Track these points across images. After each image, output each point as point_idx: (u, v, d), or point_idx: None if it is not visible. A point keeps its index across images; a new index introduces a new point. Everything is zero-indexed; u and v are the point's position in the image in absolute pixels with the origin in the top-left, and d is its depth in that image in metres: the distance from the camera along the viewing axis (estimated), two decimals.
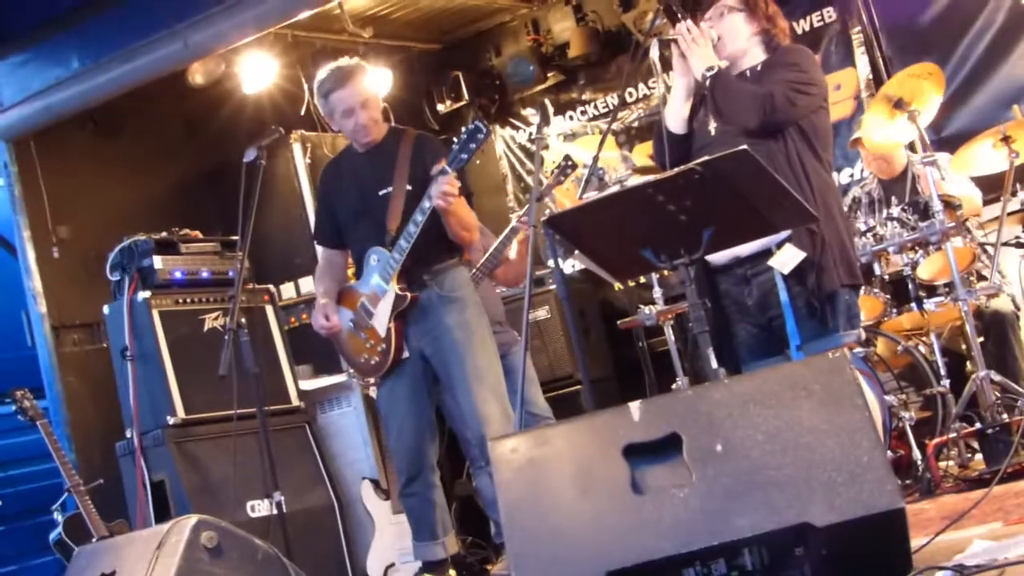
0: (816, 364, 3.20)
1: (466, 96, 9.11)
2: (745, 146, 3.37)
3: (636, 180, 5.19)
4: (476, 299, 5.42)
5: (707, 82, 4.23)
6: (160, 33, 6.95)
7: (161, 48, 6.97)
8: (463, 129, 5.00)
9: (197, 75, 7.74)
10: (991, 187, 6.34)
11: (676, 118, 4.43)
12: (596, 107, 8.95)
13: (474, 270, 6.12)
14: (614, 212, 3.81)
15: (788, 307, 4.38)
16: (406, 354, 5.31)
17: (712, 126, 4.35)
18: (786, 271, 4.26)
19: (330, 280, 5.58)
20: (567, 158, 6.36)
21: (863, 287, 5.56)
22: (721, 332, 4.47)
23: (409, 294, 5.26)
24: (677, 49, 4.28)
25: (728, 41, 4.42)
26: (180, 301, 6.48)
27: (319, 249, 5.85)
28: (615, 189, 6.18)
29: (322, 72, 5.41)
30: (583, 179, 5.51)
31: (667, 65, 4.46)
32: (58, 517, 6.36)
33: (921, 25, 7.83)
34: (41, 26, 7.64)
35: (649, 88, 8.54)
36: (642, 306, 6.97)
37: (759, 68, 4.41)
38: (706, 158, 3.46)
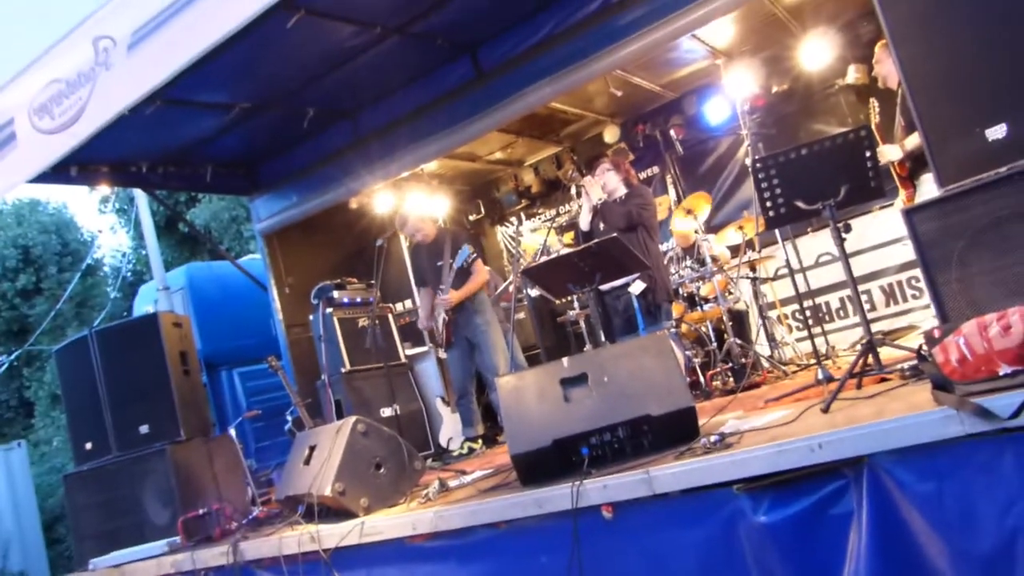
0: (652, 338, 4.22)
1: (483, 211, 11.94)
2: (615, 235, 4.72)
3: (565, 251, 6.19)
4: (491, 308, 7.48)
5: (599, 205, 5.82)
6: (336, 185, 8.87)
7: (333, 191, 8.95)
8: (460, 250, 6.87)
9: (354, 202, 9.89)
10: (734, 250, 8.20)
11: (584, 223, 6.17)
12: (546, 215, 11.44)
13: (490, 296, 7.86)
14: (556, 267, 5.18)
15: (638, 311, 6.06)
16: (454, 339, 7.36)
17: (602, 226, 5.96)
18: (636, 293, 5.92)
19: (425, 301, 7.46)
20: (516, 254, 7.75)
21: (674, 300, 6.92)
22: (606, 322, 6.10)
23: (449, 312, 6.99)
24: (583, 189, 6.00)
25: (607, 184, 6.21)
26: (347, 312, 8.33)
27: (416, 289, 7.86)
28: (555, 255, 6.50)
29: (400, 211, 7.30)
30: (539, 251, 7.09)
31: (579, 194, 6.19)
32: (288, 418, 8.36)
33: (699, 173, 10.27)
34: (278, 178, 9.65)
35: (571, 205, 10.97)
36: (569, 311, 8.58)
37: (623, 197, 6.05)
38: (596, 240, 4.82)
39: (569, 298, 8.48)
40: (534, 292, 9.46)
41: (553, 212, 11.42)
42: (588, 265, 5.16)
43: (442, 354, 8.02)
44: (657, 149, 10.50)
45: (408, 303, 10.79)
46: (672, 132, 10.14)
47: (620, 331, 6.58)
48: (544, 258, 6.28)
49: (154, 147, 8.39)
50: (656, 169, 10.55)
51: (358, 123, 8.74)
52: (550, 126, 10.36)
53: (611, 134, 10.63)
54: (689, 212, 8.18)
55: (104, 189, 17.43)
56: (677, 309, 7.42)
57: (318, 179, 9.23)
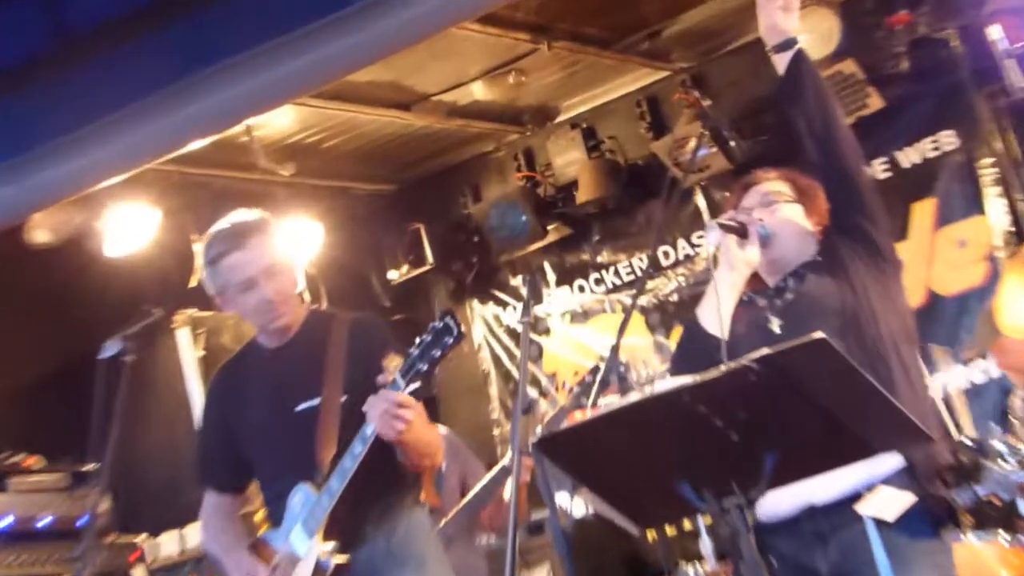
0: None
1: (430, 259, 8.38)
2: (822, 333, 3.11)
3: (672, 381, 4.53)
4: (440, 557, 4.85)
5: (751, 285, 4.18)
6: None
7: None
8: (430, 326, 4.41)
9: (39, 231, 6.99)
10: None
11: (711, 314, 4.29)
12: (617, 273, 8.21)
13: (444, 521, 5.82)
14: (636, 429, 3.48)
15: (887, 569, 4.02)
16: None
17: (776, 323, 4.16)
18: (890, 518, 3.96)
19: (226, 537, 4.91)
20: (595, 368, 5.80)
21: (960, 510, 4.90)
22: None
23: (338, 559, 4.59)
24: (725, 231, 4.09)
25: (778, 229, 4.38)
26: (7, 562, 6.16)
27: (206, 493, 5.05)
28: (641, 394, 5.24)
29: (211, 230, 4.82)
30: (596, 379, 5.45)
31: (717, 210, 4.42)
32: None
33: None
34: None
35: (693, 246, 7.83)
36: (684, 563, 6.36)
37: (817, 259, 4.38)
38: (766, 351, 3.16)
39: (687, 524, 6.89)
40: (582, 506, 7.12)
41: (640, 264, 8.44)
42: (736, 426, 3.37)
43: None
44: (939, 83, 7.17)
45: (197, 533, 6.95)
46: (995, 31, 6.86)
47: None
48: (612, 399, 5.01)
49: None
50: (951, 139, 7.26)
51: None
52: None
53: (819, 26, 7.02)
54: None
55: None
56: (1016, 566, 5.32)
57: None
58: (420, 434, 4.59)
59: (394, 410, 4.35)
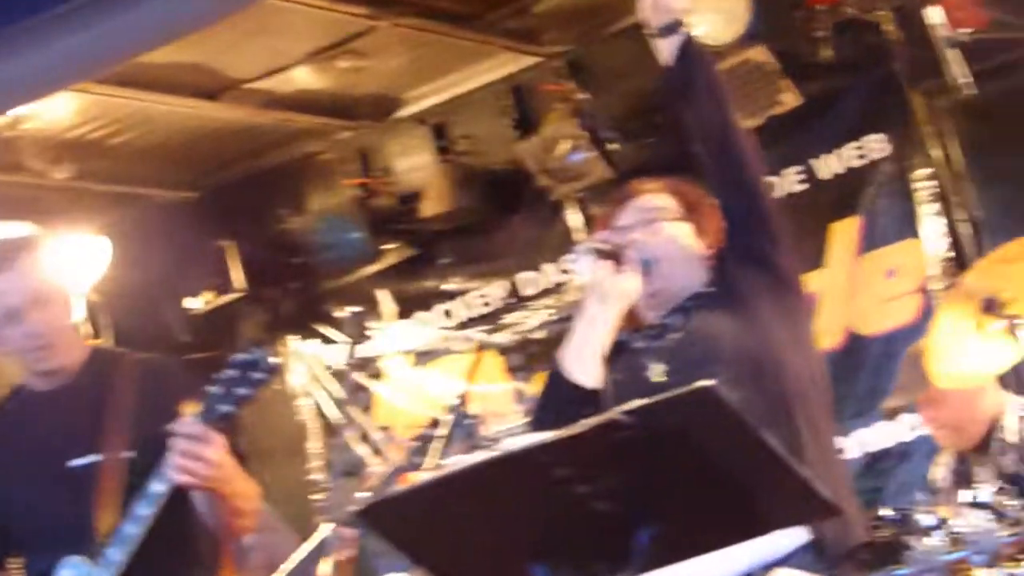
0: None
1: (240, 284, 8.10)
2: (711, 381, 3.03)
3: (530, 438, 4.23)
4: None
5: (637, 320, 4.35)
6: None
7: None
8: (235, 359, 4.32)
9: None
10: None
11: (578, 358, 4.34)
12: (470, 304, 7.93)
13: None
14: (481, 496, 3.41)
15: None
16: None
17: (657, 369, 4.20)
18: None
19: None
20: (435, 422, 5.67)
21: None
22: None
23: None
24: (588, 258, 4.18)
25: (660, 254, 4.50)
26: None
27: None
28: (489, 453, 4.91)
29: None
30: (437, 433, 5.51)
31: (596, 228, 4.59)
32: None
33: None
34: None
35: (564, 272, 7.63)
36: None
37: (708, 290, 4.56)
38: (640, 402, 3.09)
39: None
40: None
41: (500, 293, 8.11)
42: (603, 494, 3.31)
43: None
44: (868, 76, 7.00)
45: None
46: (934, 14, 6.57)
47: None
48: (459, 459, 5.07)
49: None
50: (882, 145, 6.98)
51: None
52: None
53: (722, 4, 7.11)
54: (991, 309, 5.21)
55: None
56: None
57: None
58: (235, 484, 4.42)
59: (193, 446, 4.18)
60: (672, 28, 3.91)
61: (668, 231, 4.13)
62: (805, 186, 7.02)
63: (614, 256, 3.99)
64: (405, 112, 7.76)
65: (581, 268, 4.10)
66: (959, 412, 5.59)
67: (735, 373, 3.87)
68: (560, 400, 4.14)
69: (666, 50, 3.99)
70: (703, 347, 4.11)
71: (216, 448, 4.16)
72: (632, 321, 4.13)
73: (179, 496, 4.30)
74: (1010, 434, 5.21)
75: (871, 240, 6.86)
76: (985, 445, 5.59)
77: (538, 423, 4.28)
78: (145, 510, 4.24)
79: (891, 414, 6.60)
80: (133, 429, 4.48)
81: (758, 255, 4.04)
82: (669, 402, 2.94)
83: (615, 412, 2.94)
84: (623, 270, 4.04)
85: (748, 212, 4.05)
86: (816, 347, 4.36)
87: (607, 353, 4.10)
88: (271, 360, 4.21)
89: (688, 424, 2.98)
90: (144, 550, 4.29)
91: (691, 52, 3.97)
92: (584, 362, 4.13)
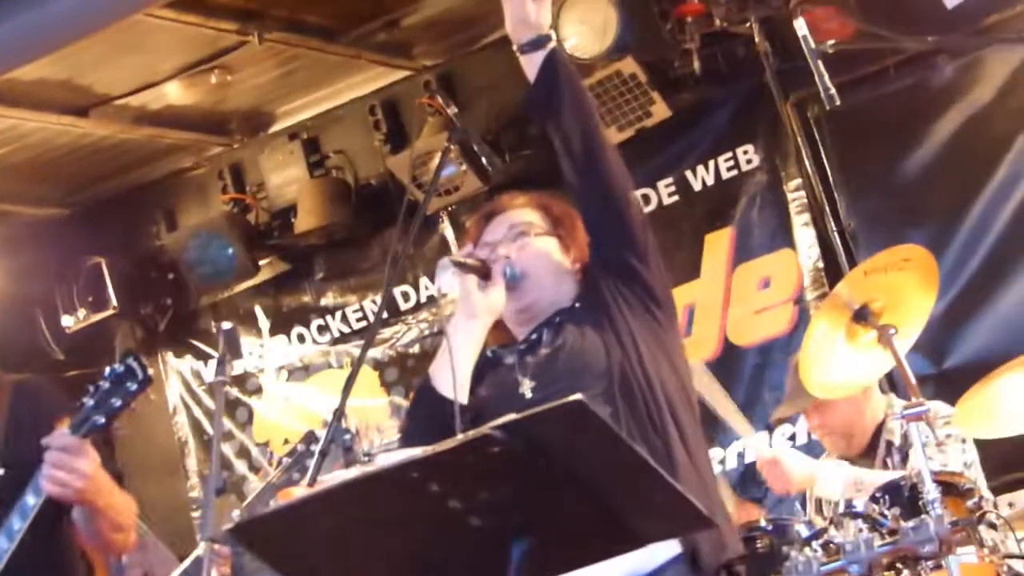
0: None
1: (114, 301, 8.03)
2: (580, 395, 3.05)
3: (402, 454, 4.53)
4: None
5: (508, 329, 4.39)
6: None
7: None
8: (108, 370, 4.36)
9: None
10: (1013, 459, 6.02)
11: (441, 376, 4.32)
12: (345, 319, 7.99)
13: None
14: (356, 513, 3.37)
15: None
16: None
17: (527, 385, 4.24)
18: None
19: None
20: (310, 435, 5.87)
21: None
22: None
23: None
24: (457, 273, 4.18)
25: (527, 266, 4.60)
26: None
27: None
28: (367, 469, 4.97)
29: None
30: (311, 448, 5.71)
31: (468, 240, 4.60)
32: None
33: (907, 179, 6.75)
34: None
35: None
36: None
37: (580, 302, 4.59)
38: (512, 416, 3.05)
39: None
40: None
41: (372, 308, 8.22)
42: (476, 509, 3.33)
43: None
44: (738, 88, 7.09)
45: None
46: (801, 25, 6.39)
47: None
48: (335, 475, 4.59)
49: None
50: (752, 157, 7.07)
51: None
52: None
53: (590, 17, 7.01)
54: (862, 318, 5.28)
55: None
56: None
57: None
58: (110, 497, 4.38)
59: (65, 457, 4.17)
60: (537, 44, 3.90)
61: (535, 246, 4.15)
62: (677, 198, 7.04)
63: (480, 271, 4.00)
64: (277, 127, 7.78)
65: (444, 283, 4.09)
66: (847, 418, 5.64)
67: (604, 387, 3.90)
68: (429, 415, 4.14)
69: (531, 66, 3.99)
70: (572, 362, 4.09)
71: (89, 460, 4.13)
72: (503, 336, 4.13)
73: (54, 514, 4.26)
74: (894, 436, 5.29)
75: (745, 251, 6.90)
76: (872, 449, 5.64)
77: (408, 438, 4.34)
78: (18, 523, 4.22)
79: (778, 424, 6.72)
80: (5, 448, 4.44)
81: (625, 269, 4.04)
82: (540, 416, 2.90)
83: (487, 427, 2.92)
84: (489, 285, 4.05)
85: (614, 226, 4.06)
86: (686, 359, 4.31)
87: (478, 368, 4.11)
88: (144, 371, 4.21)
89: (560, 438, 2.96)
90: (17, 567, 4.25)
91: (555, 67, 3.96)
92: (452, 377, 4.09)
